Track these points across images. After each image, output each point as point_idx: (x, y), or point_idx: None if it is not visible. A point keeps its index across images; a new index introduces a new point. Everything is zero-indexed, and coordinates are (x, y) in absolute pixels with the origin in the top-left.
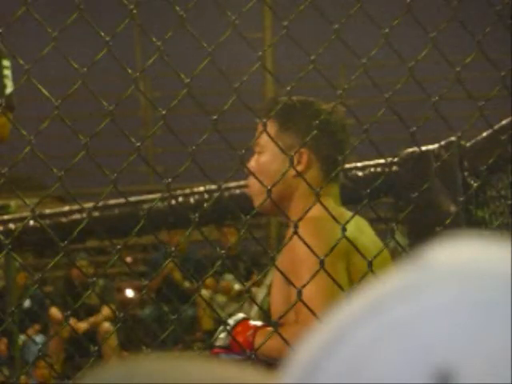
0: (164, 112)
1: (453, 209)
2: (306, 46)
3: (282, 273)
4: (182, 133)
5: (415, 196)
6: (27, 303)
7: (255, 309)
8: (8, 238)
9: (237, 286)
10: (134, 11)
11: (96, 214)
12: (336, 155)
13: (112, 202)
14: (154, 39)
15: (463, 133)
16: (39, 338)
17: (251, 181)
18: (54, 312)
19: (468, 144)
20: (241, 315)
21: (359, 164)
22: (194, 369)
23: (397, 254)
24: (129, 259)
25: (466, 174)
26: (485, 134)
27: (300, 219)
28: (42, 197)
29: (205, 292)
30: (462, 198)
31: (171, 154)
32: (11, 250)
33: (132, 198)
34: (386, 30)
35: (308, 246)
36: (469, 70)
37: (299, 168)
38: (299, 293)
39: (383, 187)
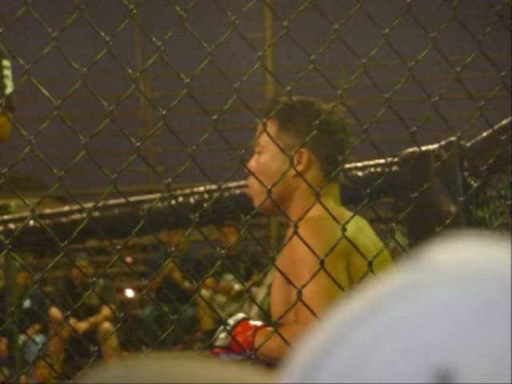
0: (164, 112)
1: (453, 209)
2: (306, 46)
3: (282, 273)
4: (181, 133)
5: (415, 196)
6: (27, 303)
7: (255, 309)
8: (8, 238)
9: (237, 286)
10: (134, 11)
11: (96, 214)
12: (336, 155)
13: (112, 202)
14: (154, 39)
15: (463, 133)
16: (39, 338)
17: (251, 181)
18: (54, 312)
19: (468, 144)
20: (241, 315)
21: (359, 164)
22: (194, 369)
23: (397, 254)
24: (129, 259)
25: (466, 173)
26: (485, 134)
27: (300, 219)
28: (42, 197)
29: (205, 292)
30: (461, 198)
31: (171, 153)
32: (11, 250)
33: (132, 198)
34: (386, 30)
35: (308, 246)
36: (469, 70)
37: (299, 168)
38: (299, 293)
39: (383, 187)
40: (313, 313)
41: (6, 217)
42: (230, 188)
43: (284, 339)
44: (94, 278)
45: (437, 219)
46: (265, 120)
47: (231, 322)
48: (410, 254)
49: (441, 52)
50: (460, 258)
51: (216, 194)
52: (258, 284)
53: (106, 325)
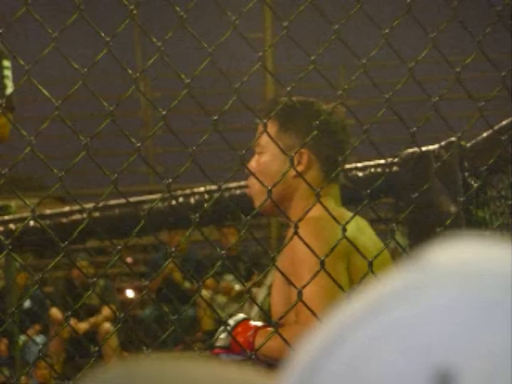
0: (164, 112)
1: (453, 209)
2: (306, 47)
3: (282, 273)
4: (182, 133)
5: (415, 196)
6: (27, 304)
7: (255, 309)
8: (8, 238)
9: (237, 287)
10: (134, 11)
11: (96, 214)
12: (336, 156)
13: (112, 202)
14: (154, 39)
15: (463, 133)
16: (40, 339)
17: (251, 181)
18: (55, 312)
19: (468, 144)
20: (241, 315)
21: (359, 164)
22: (195, 369)
23: (397, 254)
24: (129, 260)
25: (466, 174)
26: (485, 135)
27: (300, 219)
28: (43, 197)
29: (205, 292)
30: (462, 199)
31: (171, 154)
32: (11, 250)
33: (132, 199)
34: (386, 31)
35: (308, 247)
36: (469, 70)
37: (299, 168)
38: (299, 293)
39: (383, 188)
40: (313, 313)
41: (6, 217)
42: (230, 188)
43: (284, 339)
44: (95, 279)
45: (437, 220)
46: (265, 120)
47: (231, 322)
48: (410, 254)
49: (441, 52)
50: (460, 258)
51: (216, 195)
52: (259, 284)
53: (107, 325)
